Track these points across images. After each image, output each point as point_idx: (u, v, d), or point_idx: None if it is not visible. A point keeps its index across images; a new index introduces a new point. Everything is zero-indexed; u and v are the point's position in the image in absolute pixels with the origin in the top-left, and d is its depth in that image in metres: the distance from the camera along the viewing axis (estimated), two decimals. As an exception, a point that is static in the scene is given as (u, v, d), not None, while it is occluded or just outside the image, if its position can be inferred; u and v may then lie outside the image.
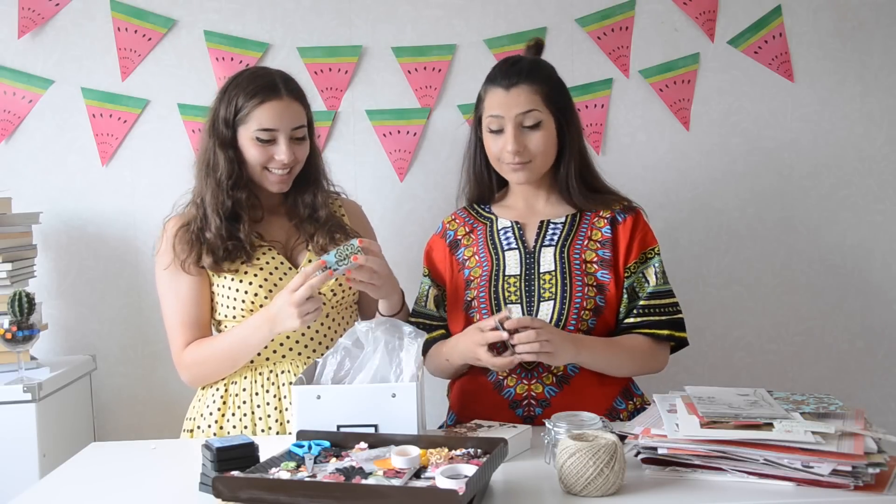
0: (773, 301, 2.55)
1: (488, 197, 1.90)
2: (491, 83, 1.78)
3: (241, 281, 1.78)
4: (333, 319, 1.86)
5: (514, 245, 1.80)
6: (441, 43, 2.45)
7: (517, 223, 1.83)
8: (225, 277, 1.79)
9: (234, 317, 1.80)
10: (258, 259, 1.80)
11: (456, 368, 1.77)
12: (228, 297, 1.79)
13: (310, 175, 1.87)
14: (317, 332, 1.83)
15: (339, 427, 1.45)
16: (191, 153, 2.42)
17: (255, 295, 1.77)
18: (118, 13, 2.39)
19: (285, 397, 1.78)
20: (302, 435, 1.42)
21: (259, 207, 1.84)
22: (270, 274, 1.79)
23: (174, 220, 1.85)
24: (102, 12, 2.40)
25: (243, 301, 1.78)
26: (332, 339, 1.84)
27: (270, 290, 1.77)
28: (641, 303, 1.75)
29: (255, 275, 1.78)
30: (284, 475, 1.26)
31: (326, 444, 1.39)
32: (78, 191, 2.44)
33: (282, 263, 1.81)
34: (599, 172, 1.86)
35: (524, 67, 1.76)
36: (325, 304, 1.80)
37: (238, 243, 1.77)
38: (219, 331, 1.87)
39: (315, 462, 1.31)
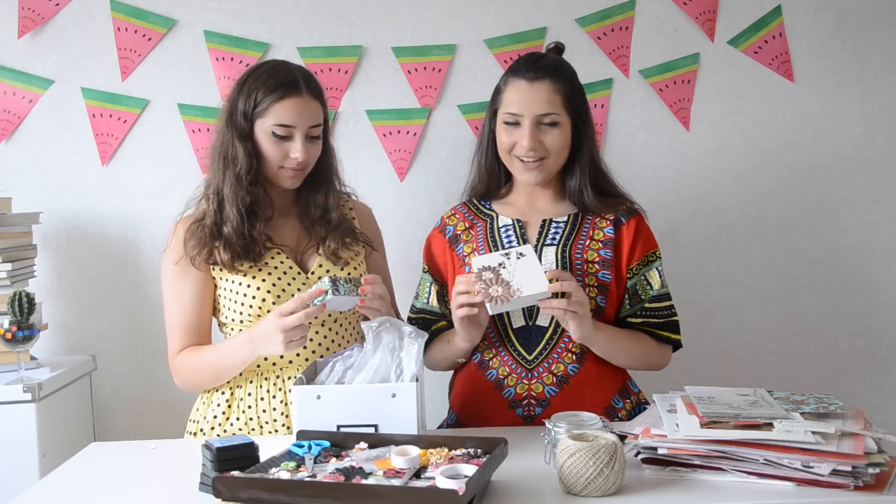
0: (773, 301, 2.55)
1: (494, 192, 1.90)
2: (513, 75, 1.77)
3: (248, 286, 1.75)
4: (341, 325, 1.83)
5: (515, 244, 1.80)
6: (441, 43, 2.45)
7: (518, 221, 1.83)
8: (232, 282, 1.77)
9: (241, 321, 1.78)
10: (266, 263, 1.77)
11: (456, 350, 1.75)
12: (235, 302, 1.77)
13: (322, 174, 1.84)
14: (325, 337, 1.80)
15: (339, 427, 1.45)
16: (191, 153, 2.43)
17: (263, 300, 1.74)
18: (118, 13, 2.39)
19: (292, 403, 1.76)
20: (302, 435, 1.42)
21: (270, 205, 1.81)
22: (279, 279, 1.76)
23: (186, 217, 1.82)
24: (102, 12, 2.40)
25: (251, 306, 1.75)
26: (339, 346, 1.82)
27: (279, 296, 1.75)
28: (646, 305, 1.77)
29: (264, 280, 1.75)
30: (284, 475, 1.26)
31: (326, 444, 1.39)
32: (78, 191, 2.44)
33: (290, 268, 1.78)
34: (613, 177, 1.86)
35: (550, 63, 1.77)
36: (329, 314, 1.79)
37: (251, 242, 1.75)
38: (223, 333, 1.86)
39: (315, 462, 1.31)
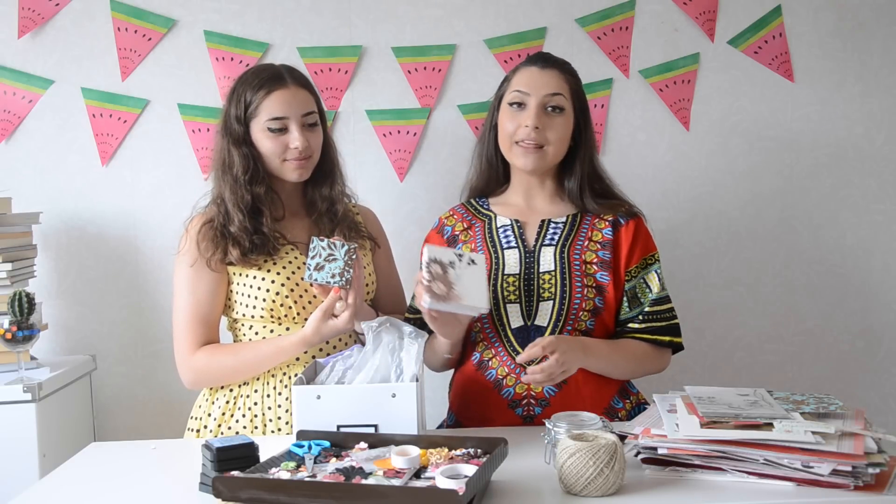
0: (773, 301, 2.55)
1: (493, 187, 1.90)
2: (524, 65, 1.83)
3: (263, 279, 1.78)
4: None
5: (513, 244, 1.80)
6: (441, 43, 2.45)
7: (517, 221, 1.83)
8: (247, 276, 1.79)
9: (253, 315, 1.79)
10: (281, 258, 1.80)
11: (438, 345, 1.73)
12: (249, 296, 1.79)
13: (326, 167, 1.88)
14: None
15: (339, 427, 1.45)
16: (191, 153, 2.43)
17: (277, 294, 1.77)
18: (118, 13, 2.39)
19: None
20: (302, 435, 1.42)
21: (280, 205, 1.85)
22: (293, 273, 1.79)
23: (197, 218, 1.84)
24: (102, 12, 2.40)
25: (264, 300, 1.77)
26: (346, 344, 1.84)
27: (292, 290, 1.78)
28: (647, 309, 1.76)
29: (278, 273, 1.78)
30: (284, 475, 1.26)
31: (326, 444, 1.39)
32: (78, 191, 2.44)
33: (304, 264, 1.80)
34: (612, 181, 1.87)
35: (559, 59, 1.83)
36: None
37: (263, 238, 1.78)
38: (233, 329, 1.87)
39: (315, 462, 1.31)
